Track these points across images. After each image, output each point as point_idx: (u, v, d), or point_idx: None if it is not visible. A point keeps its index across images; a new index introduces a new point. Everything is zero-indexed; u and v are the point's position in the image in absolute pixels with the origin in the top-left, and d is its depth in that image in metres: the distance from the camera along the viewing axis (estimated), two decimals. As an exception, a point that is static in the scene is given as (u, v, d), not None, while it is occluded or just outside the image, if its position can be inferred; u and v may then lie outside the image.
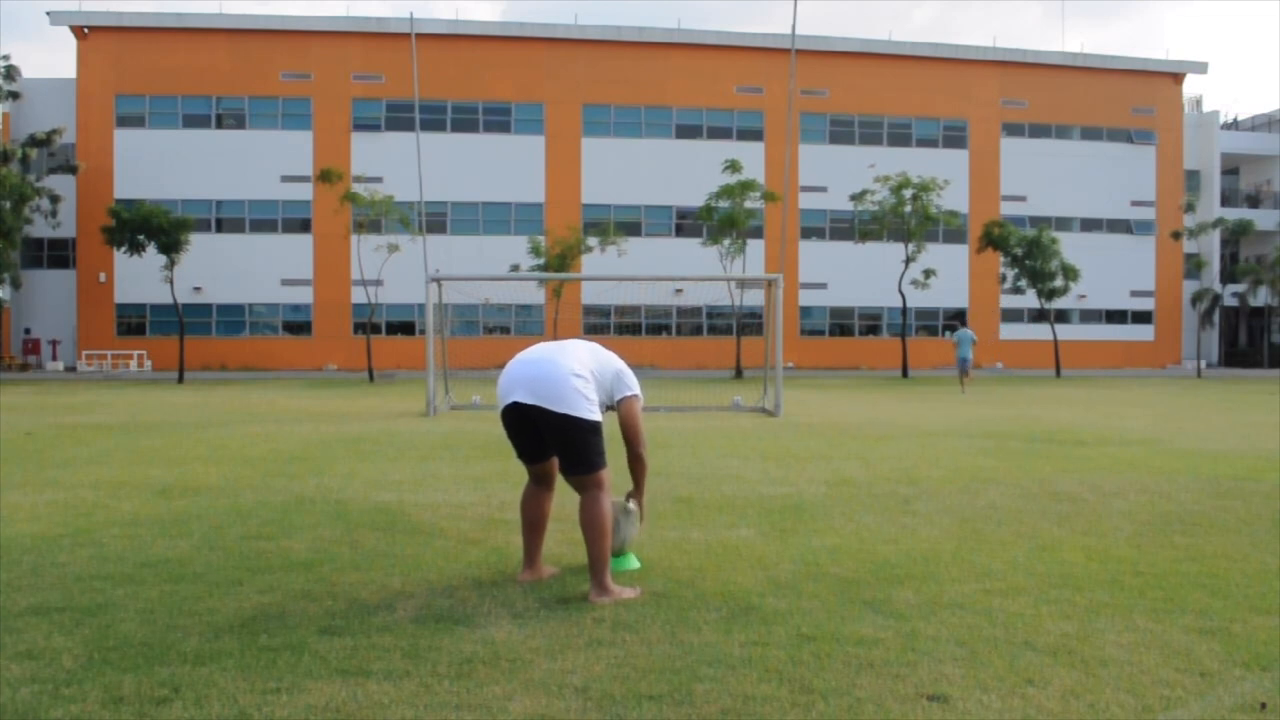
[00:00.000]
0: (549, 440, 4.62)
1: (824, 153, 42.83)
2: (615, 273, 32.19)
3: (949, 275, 39.96)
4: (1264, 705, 3.22)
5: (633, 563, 5.13)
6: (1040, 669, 3.55)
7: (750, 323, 36.12)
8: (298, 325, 41.14)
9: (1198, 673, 3.52)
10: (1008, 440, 11.87)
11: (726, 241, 33.78)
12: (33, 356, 39.90)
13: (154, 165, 39.17)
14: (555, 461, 4.75)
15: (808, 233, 43.07)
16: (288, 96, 40.57)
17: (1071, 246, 38.75)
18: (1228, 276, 43.86)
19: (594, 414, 4.57)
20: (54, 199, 35.06)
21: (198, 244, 34.39)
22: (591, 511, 4.52)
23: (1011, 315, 44.57)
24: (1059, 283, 35.84)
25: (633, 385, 4.79)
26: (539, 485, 4.86)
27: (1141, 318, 46.42)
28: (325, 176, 32.44)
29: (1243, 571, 5.03)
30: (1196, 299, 41.47)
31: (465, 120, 41.25)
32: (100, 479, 8.36)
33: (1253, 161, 50.81)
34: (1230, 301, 45.98)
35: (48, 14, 39.59)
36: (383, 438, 12.15)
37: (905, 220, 34.96)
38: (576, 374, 4.53)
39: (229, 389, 25.19)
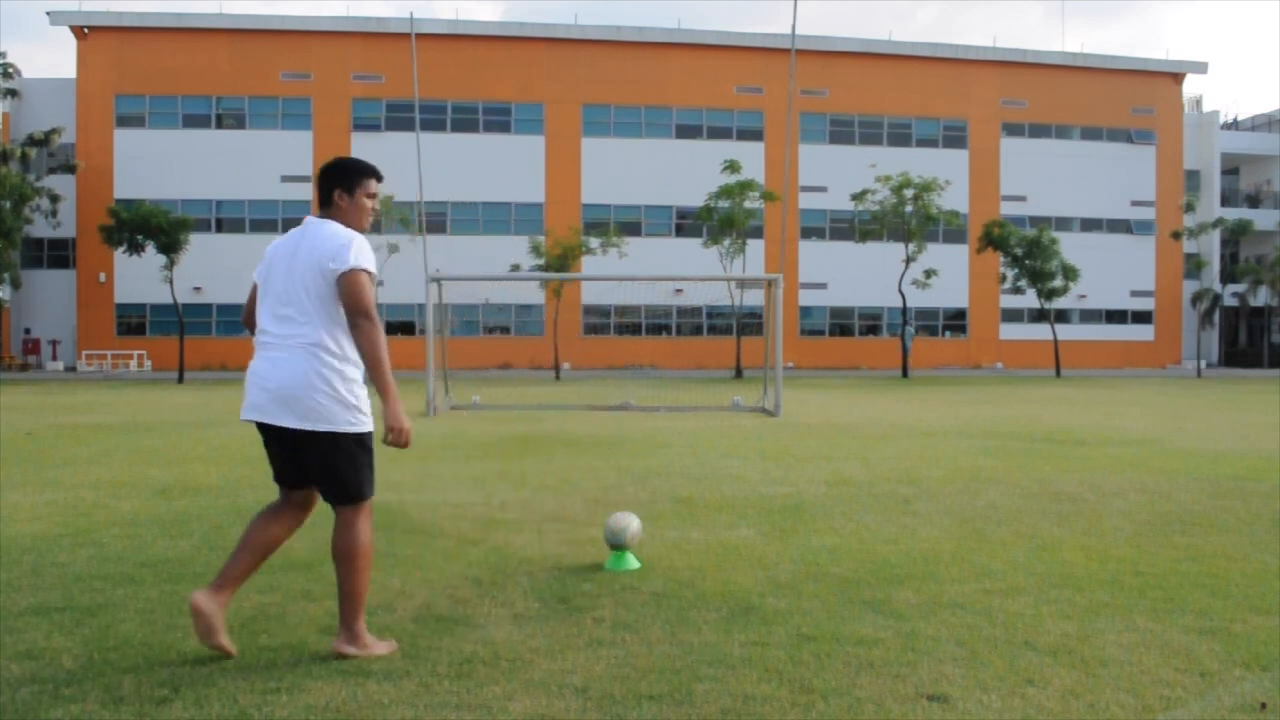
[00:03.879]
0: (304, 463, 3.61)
1: (824, 153, 42.82)
2: (615, 273, 32.17)
3: (949, 275, 39.95)
4: (1264, 705, 3.22)
5: (632, 563, 5.13)
6: (1040, 669, 3.55)
7: (750, 323, 36.10)
8: (297, 325, 41.14)
9: (1198, 673, 3.52)
10: (1008, 440, 11.87)
11: (726, 242, 33.77)
12: (33, 356, 39.89)
13: (154, 165, 39.16)
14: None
15: (808, 233, 43.06)
16: (288, 96, 40.57)
17: (1071, 246, 38.73)
18: (1228, 276, 43.84)
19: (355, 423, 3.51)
20: (54, 199, 35.05)
21: (197, 244, 34.37)
22: (348, 538, 3.57)
23: (1011, 315, 44.56)
24: (1059, 283, 35.83)
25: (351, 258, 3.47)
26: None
27: (1141, 318, 46.41)
28: (325, 176, 32.36)
29: (1243, 571, 5.03)
30: (1196, 299, 41.46)
31: (465, 120, 41.24)
32: (100, 479, 8.36)
33: (1253, 161, 50.80)
34: (1230, 301, 45.97)
35: (48, 14, 39.57)
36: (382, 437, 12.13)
37: (905, 220, 34.95)
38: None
39: (229, 389, 25.18)
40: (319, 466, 3.53)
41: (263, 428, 3.56)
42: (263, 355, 3.54)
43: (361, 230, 3.62)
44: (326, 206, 3.61)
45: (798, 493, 7.66)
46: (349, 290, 3.41)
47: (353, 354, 3.51)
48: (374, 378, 3.45)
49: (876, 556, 5.38)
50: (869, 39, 43.93)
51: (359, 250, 3.46)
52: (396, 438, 3.49)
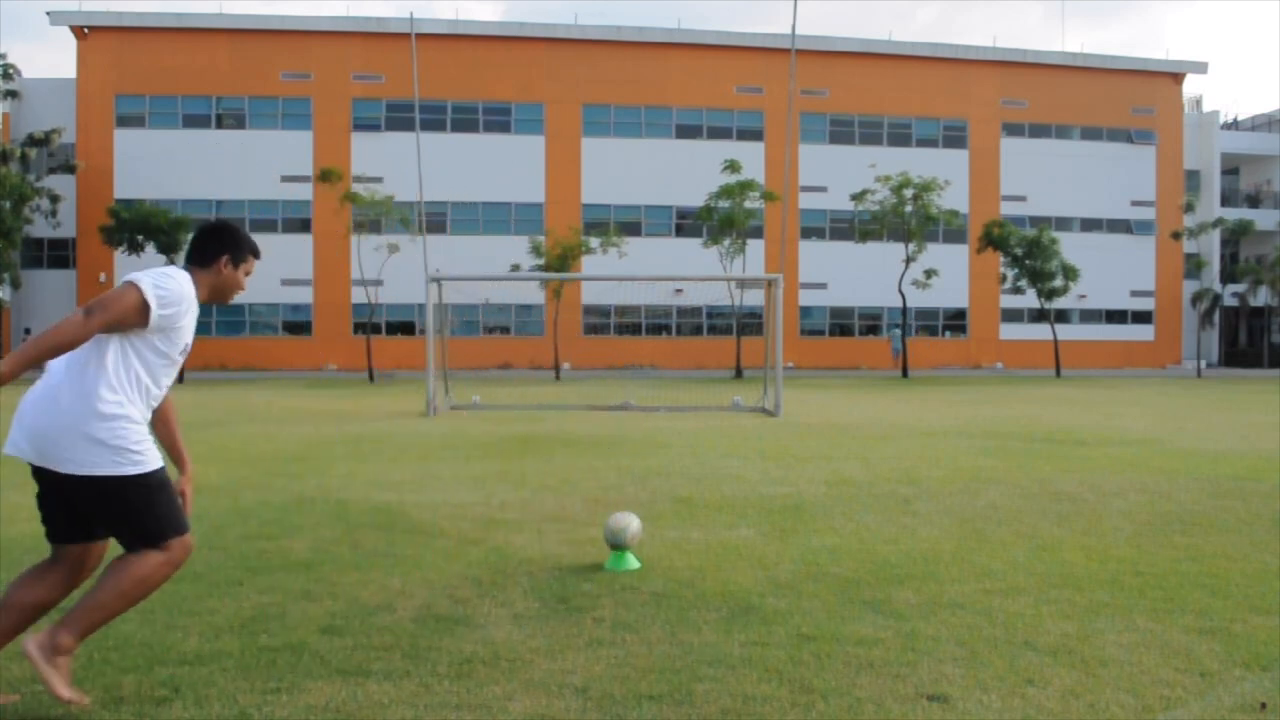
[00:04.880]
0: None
1: (824, 153, 42.80)
2: (615, 273, 32.17)
3: (949, 275, 39.92)
4: (1264, 705, 3.22)
5: (632, 563, 5.13)
6: (1040, 669, 3.55)
7: (750, 323, 36.09)
8: (298, 325, 41.13)
9: (1198, 673, 3.52)
10: (1008, 440, 11.87)
11: (726, 242, 33.76)
12: (33, 356, 39.85)
13: (154, 165, 39.14)
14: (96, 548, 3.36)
15: (808, 233, 43.04)
16: (288, 96, 40.55)
17: (1071, 246, 38.72)
18: (1228, 276, 43.82)
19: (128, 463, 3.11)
20: (54, 199, 35.04)
21: (198, 244, 34.34)
22: (135, 570, 3.16)
23: (1011, 315, 44.53)
24: (1059, 283, 35.82)
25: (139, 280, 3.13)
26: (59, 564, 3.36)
27: (1141, 318, 46.40)
28: (325, 176, 32.39)
29: (1243, 571, 5.03)
30: (1196, 299, 41.45)
31: (465, 120, 41.22)
32: (100, 479, 8.34)
33: (1253, 161, 50.78)
34: (1230, 301, 45.94)
35: (48, 14, 39.54)
36: (383, 438, 12.15)
37: (905, 220, 34.94)
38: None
39: (229, 389, 25.18)
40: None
41: None
42: None
43: (224, 302, 3.46)
44: (205, 266, 3.34)
45: (798, 493, 7.66)
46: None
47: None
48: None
49: (876, 556, 5.38)
50: (869, 39, 43.91)
51: (162, 291, 3.14)
52: None
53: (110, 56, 39.64)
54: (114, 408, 3.11)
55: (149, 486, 3.15)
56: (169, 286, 3.15)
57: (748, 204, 33.66)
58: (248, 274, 3.46)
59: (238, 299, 3.65)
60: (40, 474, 3.26)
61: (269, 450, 10.67)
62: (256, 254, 3.48)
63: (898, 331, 38.85)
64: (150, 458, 3.17)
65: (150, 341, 3.16)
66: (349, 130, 40.48)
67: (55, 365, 3.14)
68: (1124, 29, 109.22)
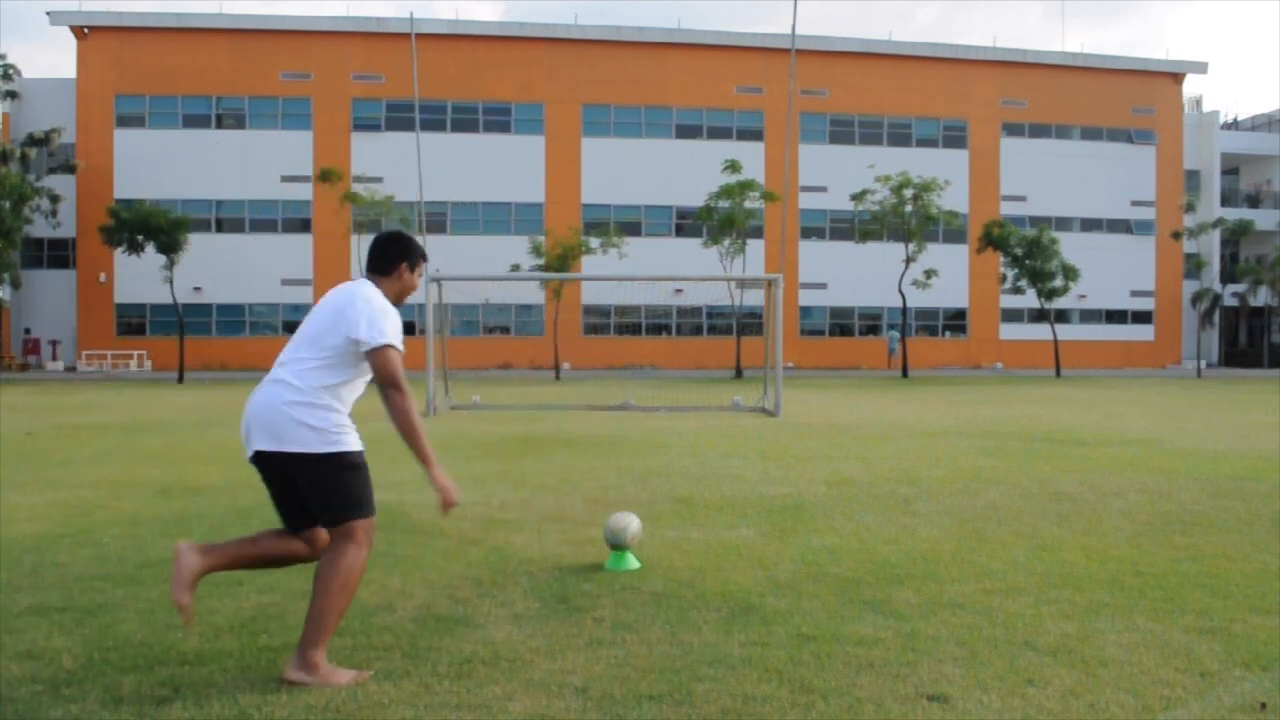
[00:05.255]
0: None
1: (824, 153, 42.80)
2: (615, 273, 32.18)
3: (949, 275, 39.91)
4: (1264, 705, 3.22)
5: (632, 563, 5.14)
6: (1040, 669, 3.55)
7: (750, 323, 36.09)
8: (297, 325, 41.02)
9: (1198, 673, 3.52)
10: (1008, 440, 11.87)
11: (726, 242, 33.76)
12: (33, 356, 39.87)
13: (154, 165, 39.13)
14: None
15: (808, 233, 43.04)
16: (288, 96, 40.55)
17: (1071, 246, 38.71)
18: (1228, 276, 43.82)
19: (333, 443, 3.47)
20: (54, 199, 35.04)
21: (197, 244, 34.36)
22: (336, 563, 3.44)
23: (1011, 315, 44.54)
24: (1059, 283, 35.82)
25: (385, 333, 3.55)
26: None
27: (1141, 318, 46.40)
28: (325, 176, 32.39)
29: (1243, 571, 5.03)
30: (1196, 299, 41.44)
31: (465, 120, 41.22)
32: (100, 479, 8.36)
33: (1253, 161, 50.77)
34: (1230, 301, 45.94)
35: (48, 14, 39.54)
36: (383, 438, 12.12)
37: (905, 220, 34.94)
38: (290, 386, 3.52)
39: (229, 389, 25.18)
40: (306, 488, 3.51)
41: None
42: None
43: (401, 304, 3.78)
44: (387, 274, 3.74)
45: (798, 493, 7.66)
46: (379, 365, 3.54)
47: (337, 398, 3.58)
48: (409, 445, 3.54)
49: (876, 556, 5.38)
50: (869, 39, 43.91)
51: (395, 326, 3.61)
52: (445, 497, 3.56)
53: (110, 56, 39.64)
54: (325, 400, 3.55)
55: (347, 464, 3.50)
56: (391, 318, 3.60)
57: (748, 204, 33.66)
58: (419, 276, 3.85)
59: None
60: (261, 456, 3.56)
61: (269, 450, 10.66)
62: (425, 258, 3.89)
63: (895, 333, 39.55)
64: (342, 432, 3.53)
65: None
66: (349, 130, 40.48)
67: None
68: (1124, 29, 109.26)
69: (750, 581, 4.81)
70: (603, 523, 5.40)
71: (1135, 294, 46.01)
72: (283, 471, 3.52)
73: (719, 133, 42.37)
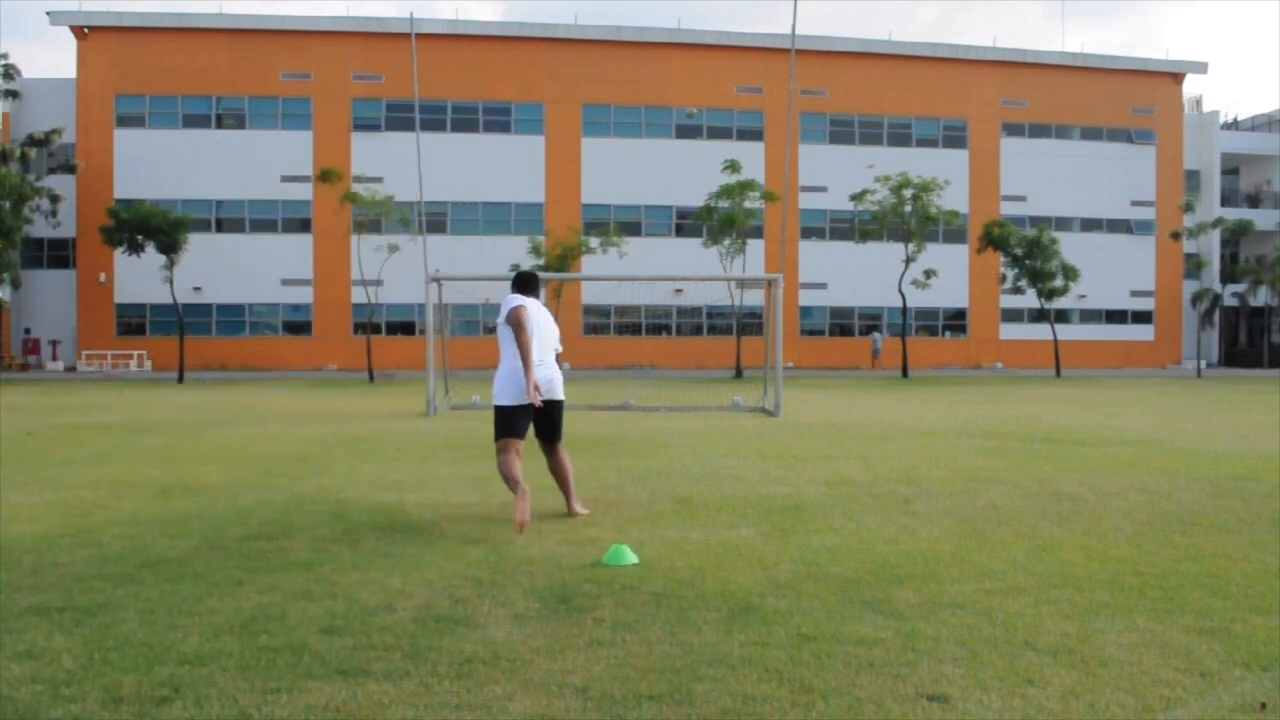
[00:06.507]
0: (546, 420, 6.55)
1: (824, 153, 42.80)
2: (615, 273, 32.18)
3: (949, 275, 39.92)
4: (1264, 705, 3.22)
5: (630, 558, 5.14)
6: (1040, 669, 3.55)
7: (750, 323, 36.09)
8: (298, 325, 41.12)
9: (1198, 673, 3.52)
10: (1008, 440, 11.87)
11: (726, 242, 33.76)
12: (33, 356, 39.87)
13: (154, 165, 39.13)
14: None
15: (808, 233, 43.04)
16: (288, 96, 40.54)
17: (1071, 246, 38.70)
18: (1228, 276, 43.82)
19: None
20: (54, 199, 35.03)
21: (197, 244, 34.36)
22: (565, 457, 6.67)
23: (1011, 315, 44.54)
24: (1059, 283, 35.80)
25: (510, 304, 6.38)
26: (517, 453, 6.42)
27: (1141, 318, 46.40)
28: (325, 176, 32.38)
29: (1243, 571, 5.03)
30: (1196, 299, 41.44)
31: (465, 120, 41.22)
32: (100, 479, 8.36)
33: (1253, 161, 50.77)
34: (1230, 301, 45.94)
35: (48, 14, 39.54)
36: (383, 438, 12.15)
37: (905, 220, 34.94)
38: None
39: (229, 389, 25.18)
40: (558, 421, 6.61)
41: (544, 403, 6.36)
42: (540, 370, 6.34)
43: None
44: (536, 295, 6.60)
45: (798, 493, 7.66)
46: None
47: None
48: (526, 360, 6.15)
49: (876, 556, 5.38)
50: (869, 39, 43.91)
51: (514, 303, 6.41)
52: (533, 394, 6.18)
53: (110, 56, 39.64)
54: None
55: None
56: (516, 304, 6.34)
57: (748, 204, 33.66)
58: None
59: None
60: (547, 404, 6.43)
61: (269, 450, 10.67)
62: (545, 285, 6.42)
63: (878, 335, 41.48)
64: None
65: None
66: (349, 130, 40.48)
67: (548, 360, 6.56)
68: (1124, 29, 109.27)
69: (750, 581, 4.81)
70: (602, 522, 5.39)
71: (1135, 294, 46.01)
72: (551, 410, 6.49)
73: (719, 133, 42.36)
